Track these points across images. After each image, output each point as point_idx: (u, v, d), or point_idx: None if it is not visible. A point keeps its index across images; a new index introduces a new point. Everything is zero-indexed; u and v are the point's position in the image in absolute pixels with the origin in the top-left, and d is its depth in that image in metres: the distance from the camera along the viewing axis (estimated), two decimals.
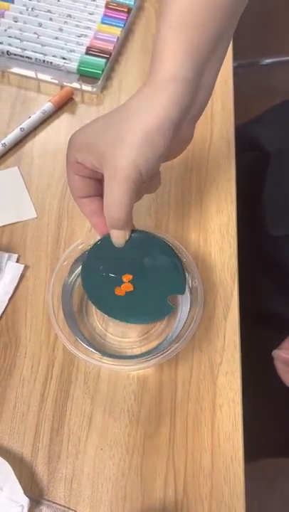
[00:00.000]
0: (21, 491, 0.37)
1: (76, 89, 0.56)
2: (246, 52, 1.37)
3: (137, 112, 0.33)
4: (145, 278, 0.39)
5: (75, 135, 0.36)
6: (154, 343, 0.43)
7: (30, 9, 0.59)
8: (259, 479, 1.04)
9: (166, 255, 0.39)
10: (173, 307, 0.38)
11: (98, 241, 0.39)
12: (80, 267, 0.40)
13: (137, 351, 0.43)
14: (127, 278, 0.38)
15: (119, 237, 0.37)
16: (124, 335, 0.44)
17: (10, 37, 0.57)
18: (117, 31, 0.58)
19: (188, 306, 0.42)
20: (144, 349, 0.43)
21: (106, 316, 0.42)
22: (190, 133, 0.37)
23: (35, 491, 0.39)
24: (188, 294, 0.43)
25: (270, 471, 1.06)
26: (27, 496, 0.37)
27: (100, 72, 0.56)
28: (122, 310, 0.39)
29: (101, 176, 0.35)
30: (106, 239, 0.38)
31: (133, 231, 0.38)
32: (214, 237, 0.49)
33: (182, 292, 0.39)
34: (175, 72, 0.33)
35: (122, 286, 0.39)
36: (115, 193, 0.33)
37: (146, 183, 0.36)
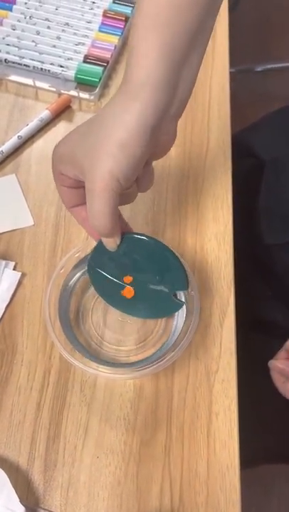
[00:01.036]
0: (17, 500, 0.37)
1: (74, 97, 0.56)
2: (244, 59, 1.38)
3: (111, 121, 0.33)
4: (147, 278, 0.39)
5: (57, 146, 0.36)
6: (151, 351, 0.43)
7: (28, 17, 0.59)
8: (256, 485, 1.04)
9: (165, 254, 0.39)
10: (183, 302, 0.40)
11: (96, 245, 0.39)
12: (78, 274, 0.40)
13: (133, 359, 0.43)
14: (127, 279, 0.39)
15: (109, 243, 0.37)
16: (120, 343, 0.44)
17: (8, 45, 0.58)
18: (114, 39, 0.59)
19: (185, 314, 0.42)
20: (140, 357, 0.43)
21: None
22: (172, 130, 0.36)
23: (31, 500, 0.39)
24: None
25: (267, 477, 1.06)
26: (23, 504, 0.37)
27: (98, 80, 0.56)
28: (130, 307, 0.41)
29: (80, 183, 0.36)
30: (102, 243, 0.39)
31: (128, 233, 0.38)
32: (210, 244, 0.49)
33: (186, 288, 0.39)
34: (148, 76, 0.32)
35: (126, 289, 0.40)
36: (96, 204, 0.33)
37: (131, 187, 0.37)
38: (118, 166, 0.32)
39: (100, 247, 0.39)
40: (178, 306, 0.40)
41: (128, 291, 0.40)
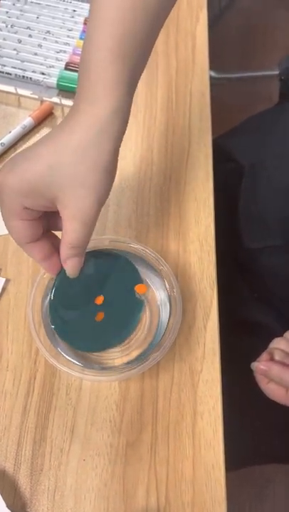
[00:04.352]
0: (4, 505, 0.37)
1: (56, 103, 0.57)
2: (231, 65, 1.41)
3: (91, 152, 0.33)
4: (110, 289, 0.41)
5: (11, 181, 0.33)
6: (135, 353, 0.44)
7: (9, 26, 0.60)
8: (250, 487, 1.04)
9: (115, 258, 0.42)
10: (143, 300, 0.42)
11: (55, 282, 0.40)
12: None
13: (118, 361, 0.44)
14: (99, 300, 0.41)
15: (75, 266, 0.37)
16: None
17: None
18: None
19: (168, 316, 0.43)
20: (125, 359, 0.44)
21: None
22: None
23: (18, 504, 0.39)
24: (167, 304, 0.43)
25: (261, 479, 1.06)
26: (10, 509, 0.37)
27: None
28: (105, 333, 0.42)
29: (43, 212, 0.36)
30: (62, 276, 0.39)
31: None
32: (193, 246, 0.49)
33: (141, 281, 0.42)
34: (119, 104, 0.34)
35: (98, 312, 0.41)
36: (80, 232, 0.34)
37: None
38: (104, 191, 0.34)
39: (59, 286, 0.40)
40: (141, 304, 0.42)
41: (100, 315, 0.42)
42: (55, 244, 0.38)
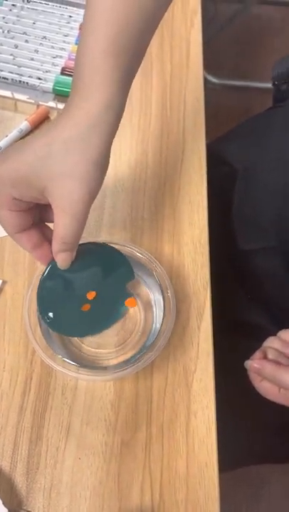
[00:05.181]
0: (0, 502, 0.38)
1: (52, 108, 0.58)
2: (227, 69, 1.42)
3: (80, 145, 0.34)
4: (101, 283, 0.42)
5: (1, 171, 0.34)
6: (130, 353, 0.44)
7: (6, 31, 0.61)
8: (246, 487, 1.05)
9: (108, 252, 0.42)
10: (131, 294, 0.43)
11: (46, 271, 0.40)
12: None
13: (113, 361, 0.44)
14: (91, 295, 0.41)
15: (66, 259, 0.38)
16: (100, 346, 0.45)
17: None
18: None
19: (162, 316, 0.44)
20: (120, 359, 0.44)
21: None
22: None
23: (14, 502, 0.40)
24: (162, 305, 0.44)
25: (257, 479, 1.06)
26: (6, 507, 0.38)
27: None
28: (89, 323, 0.42)
29: (34, 204, 0.36)
30: (53, 266, 0.39)
31: None
32: (187, 248, 0.50)
33: (133, 277, 0.42)
34: (112, 101, 0.35)
35: (85, 304, 0.42)
36: (71, 224, 0.35)
37: None
38: (95, 183, 0.35)
39: (49, 276, 0.40)
40: (128, 295, 0.43)
41: (86, 306, 0.42)
42: (46, 235, 0.38)
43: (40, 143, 0.34)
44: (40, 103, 0.58)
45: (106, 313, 0.42)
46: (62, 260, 0.38)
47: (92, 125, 0.34)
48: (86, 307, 0.42)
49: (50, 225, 0.38)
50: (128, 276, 0.43)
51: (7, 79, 0.58)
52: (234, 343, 0.59)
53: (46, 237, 0.38)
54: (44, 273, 0.40)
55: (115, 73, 0.35)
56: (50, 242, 0.38)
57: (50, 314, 0.41)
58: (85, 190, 0.34)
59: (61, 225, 0.35)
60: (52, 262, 0.39)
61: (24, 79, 0.58)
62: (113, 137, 0.36)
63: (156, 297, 0.46)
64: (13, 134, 0.55)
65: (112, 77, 0.35)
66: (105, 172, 0.36)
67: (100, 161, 0.35)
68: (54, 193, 0.34)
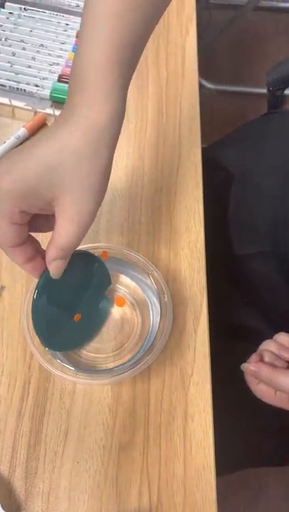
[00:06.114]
0: None
1: (49, 114, 0.58)
2: (223, 75, 1.44)
3: (91, 156, 0.34)
4: (84, 292, 0.44)
5: (8, 185, 0.33)
6: (127, 357, 0.45)
7: (3, 39, 0.62)
8: (244, 490, 1.05)
9: (89, 260, 0.44)
10: (108, 299, 0.45)
11: (38, 284, 0.40)
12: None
13: (111, 366, 0.45)
14: (77, 318, 0.44)
15: (60, 267, 0.38)
16: (98, 351, 0.45)
17: None
18: None
19: (159, 320, 0.44)
20: (118, 363, 0.45)
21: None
22: None
23: (12, 507, 0.40)
24: (158, 309, 0.45)
25: (255, 482, 1.07)
26: (5, 511, 0.38)
27: None
28: (82, 331, 0.44)
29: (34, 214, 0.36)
30: (45, 277, 0.39)
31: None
32: (184, 253, 0.51)
33: (110, 283, 0.45)
34: (116, 110, 0.35)
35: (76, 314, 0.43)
36: (74, 232, 0.35)
37: None
38: (102, 195, 0.35)
39: (42, 287, 0.40)
40: (108, 301, 0.46)
41: (78, 316, 0.44)
42: (37, 248, 0.38)
43: (49, 151, 0.34)
44: (38, 110, 0.58)
45: (93, 318, 0.45)
46: (56, 268, 0.37)
47: (102, 136, 0.34)
48: (77, 317, 0.43)
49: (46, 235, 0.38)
50: (107, 282, 0.45)
51: (5, 86, 0.59)
52: (230, 346, 0.59)
53: (37, 250, 0.38)
54: (35, 293, 0.40)
55: (120, 81, 0.35)
56: (41, 255, 0.38)
57: (52, 342, 0.42)
58: (94, 202, 0.35)
59: (64, 233, 0.35)
60: (42, 278, 0.39)
61: (22, 86, 0.59)
62: (116, 146, 0.36)
63: (153, 301, 0.46)
64: (11, 140, 0.56)
65: (118, 85, 0.35)
66: (108, 182, 0.36)
67: (107, 172, 0.35)
68: (65, 202, 0.34)
